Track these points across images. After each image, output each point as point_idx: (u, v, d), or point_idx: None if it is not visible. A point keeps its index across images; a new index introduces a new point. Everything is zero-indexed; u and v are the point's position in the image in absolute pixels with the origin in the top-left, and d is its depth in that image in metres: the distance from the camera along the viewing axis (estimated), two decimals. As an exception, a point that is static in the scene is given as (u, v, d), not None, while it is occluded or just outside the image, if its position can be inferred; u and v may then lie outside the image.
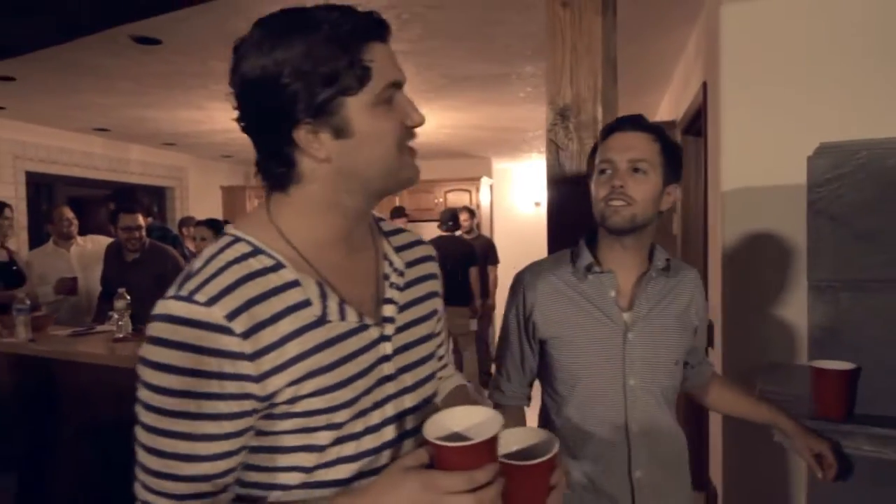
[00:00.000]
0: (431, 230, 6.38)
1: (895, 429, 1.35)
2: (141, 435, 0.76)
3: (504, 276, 5.50)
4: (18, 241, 4.73)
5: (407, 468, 0.72)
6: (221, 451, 0.76)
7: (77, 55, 3.26)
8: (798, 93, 2.11)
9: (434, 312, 0.97)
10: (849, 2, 2.08)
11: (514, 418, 1.45)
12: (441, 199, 6.86)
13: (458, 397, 1.02)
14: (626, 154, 1.25)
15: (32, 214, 5.16)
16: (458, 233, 5.61)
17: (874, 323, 1.44)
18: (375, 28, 0.78)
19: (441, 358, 1.03)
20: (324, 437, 0.80)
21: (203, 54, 3.29)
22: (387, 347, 0.85)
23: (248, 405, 0.76)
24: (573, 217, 1.53)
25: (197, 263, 0.79)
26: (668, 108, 4.20)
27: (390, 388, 0.85)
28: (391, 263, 0.90)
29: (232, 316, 0.74)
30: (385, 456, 0.84)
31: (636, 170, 1.25)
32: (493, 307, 5.94)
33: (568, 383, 1.33)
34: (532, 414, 1.50)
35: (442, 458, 0.71)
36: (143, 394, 0.75)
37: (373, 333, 0.84)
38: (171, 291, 0.76)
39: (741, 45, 2.25)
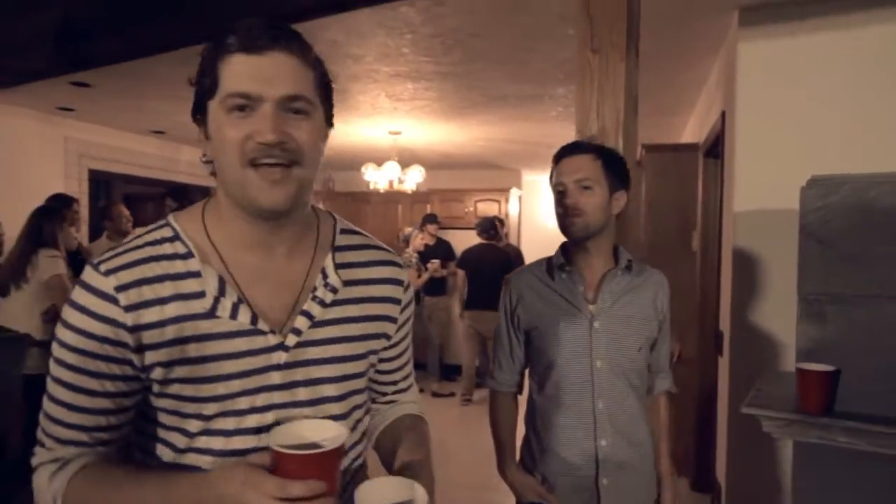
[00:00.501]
0: (460, 237, 6.66)
1: (867, 423, 1.57)
2: (48, 383, 0.85)
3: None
4: (80, 234, 5.12)
5: (243, 463, 0.74)
6: (100, 408, 0.84)
7: (151, 66, 3.60)
8: (801, 127, 2.33)
9: (375, 336, 0.95)
10: (848, 51, 2.29)
11: (507, 406, 1.70)
12: (471, 208, 7.12)
13: (399, 426, 1.02)
14: (573, 176, 1.52)
15: (91, 209, 5.56)
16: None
17: (855, 333, 1.66)
18: (247, 40, 0.79)
19: (391, 383, 1.05)
20: (193, 426, 0.83)
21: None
22: (281, 356, 0.85)
23: (129, 371, 0.83)
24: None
25: (126, 239, 0.90)
26: (692, 130, 4.41)
27: (276, 397, 0.85)
28: (325, 277, 0.89)
29: (121, 289, 0.81)
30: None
31: (584, 187, 1.51)
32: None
33: (545, 365, 1.58)
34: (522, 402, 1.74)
35: (274, 463, 0.72)
36: (53, 346, 0.84)
37: (269, 340, 0.84)
38: (94, 259, 0.85)
39: (755, 80, 2.47)
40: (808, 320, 1.71)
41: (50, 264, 3.29)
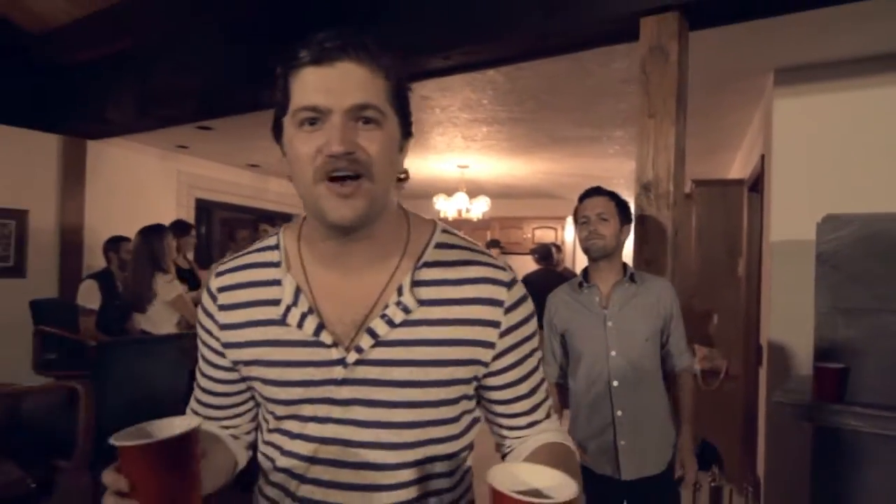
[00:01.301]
0: (519, 262, 7.16)
1: (872, 409, 2.00)
2: None
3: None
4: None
5: None
6: (206, 387, 0.95)
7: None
8: (826, 170, 2.78)
9: (463, 362, 0.85)
10: (867, 106, 2.74)
11: (551, 392, 2.18)
12: (529, 235, 7.63)
13: (537, 451, 0.88)
14: (595, 210, 2.04)
15: (197, 231, 6.33)
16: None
17: (861, 338, 2.10)
18: (316, 52, 0.78)
19: (509, 416, 0.93)
20: (270, 422, 0.90)
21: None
22: (339, 372, 0.83)
23: (224, 362, 0.91)
24: (654, 253, 2.27)
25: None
26: (738, 167, 4.83)
27: (335, 412, 0.84)
28: (399, 294, 0.84)
29: (221, 290, 0.90)
30: (308, 468, 0.85)
31: (603, 219, 2.03)
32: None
33: (576, 359, 2.09)
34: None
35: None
36: None
37: (332, 353, 0.83)
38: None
39: (789, 130, 2.94)
40: (823, 329, 2.16)
41: (168, 289, 3.79)
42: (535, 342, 0.93)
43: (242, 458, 0.99)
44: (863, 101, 2.75)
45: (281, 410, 0.86)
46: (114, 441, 0.68)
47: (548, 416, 0.96)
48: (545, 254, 6.32)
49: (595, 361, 2.04)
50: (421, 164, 5.91)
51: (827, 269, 2.16)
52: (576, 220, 2.13)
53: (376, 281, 0.86)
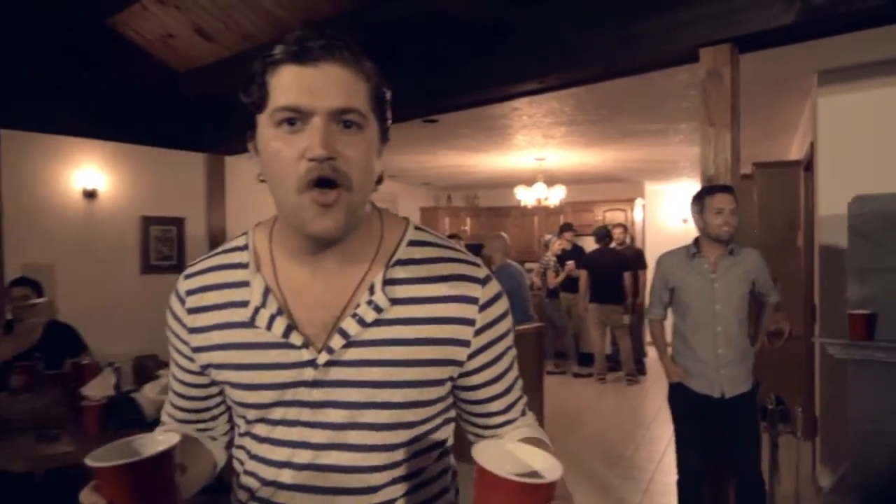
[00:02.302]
0: (591, 243, 7.78)
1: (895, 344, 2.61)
2: None
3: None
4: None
5: None
6: (177, 390, 0.95)
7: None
8: (862, 156, 3.34)
9: (439, 362, 0.84)
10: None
11: (658, 327, 2.93)
12: (600, 217, 8.23)
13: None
14: (729, 205, 2.67)
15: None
16: (611, 245, 6.99)
17: (884, 290, 2.70)
18: (297, 51, 0.75)
19: (484, 415, 0.93)
20: (241, 424, 0.90)
21: (461, 128, 5.00)
22: (310, 373, 0.81)
23: (193, 366, 0.90)
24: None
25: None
26: (796, 149, 5.32)
27: (305, 414, 0.82)
28: (370, 293, 0.82)
29: (190, 293, 0.88)
30: (277, 472, 0.84)
31: (733, 213, 2.67)
32: (643, 305, 7.23)
33: (684, 310, 2.76)
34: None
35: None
36: None
37: (302, 354, 0.82)
38: None
39: (832, 122, 3.51)
40: (854, 284, 2.77)
41: None
42: (510, 339, 0.91)
43: (221, 458, 0.99)
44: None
45: (251, 414, 0.85)
46: (90, 462, 0.67)
47: (523, 413, 0.95)
48: (602, 234, 6.96)
49: (703, 312, 2.72)
50: (502, 159, 6.63)
51: (856, 237, 2.77)
52: (702, 208, 2.73)
53: (348, 281, 0.84)
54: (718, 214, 2.68)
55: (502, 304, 0.89)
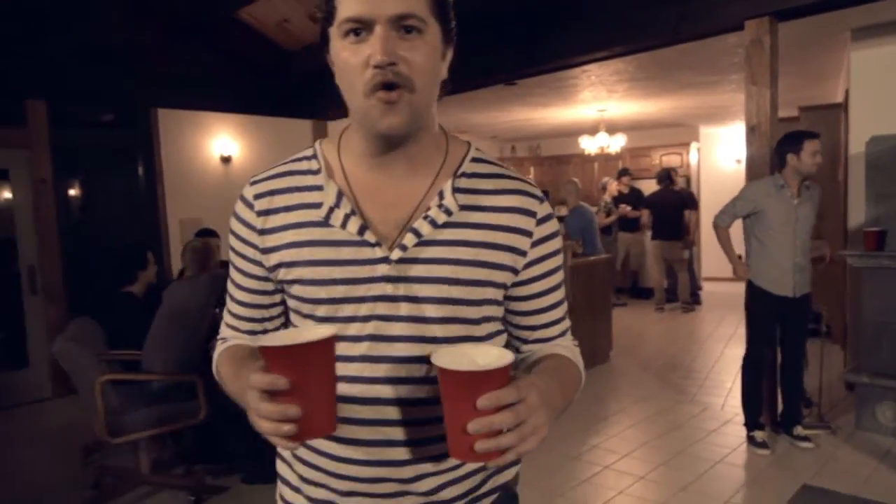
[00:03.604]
0: (649, 185, 8.44)
1: (898, 254, 3.34)
2: None
3: (706, 219, 7.43)
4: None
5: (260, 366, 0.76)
6: (241, 299, 0.98)
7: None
8: (884, 103, 3.98)
9: (497, 266, 0.89)
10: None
11: (726, 234, 3.60)
12: (658, 161, 8.84)
13: (538, 363, 0.95)
14: (818, 148, 3.32)
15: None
16: (672, 186, 7.67)
17: (894, 212, 3.41)
18: None
19: (528, 328, 0.98)
20: (307, 323, 0.90)
21: (537, 89, 5.75)
22: (384, 269, 0.85)
23: (259, 270, 0.94)
24: (762, 172, 3.66)
25: None
26: (840, 94, 5.86)
27: (380, 308, 0.86)
28: (440, 198, 0.88)
29: (257, 197, 0.92)
30: (358, 367, 0.86)
31: (819, 153, 3.32)
32: (692, 242, 7.91)
33: (766, 228, 3.43)
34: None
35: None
36: None
37: (375, 252, 0.86)
38: None
39: (863, 74, 4.13)
40: (870, 207, 3.49)
41: None
42: (559, 259, 0.96)
43: None
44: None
45: (322, 310, 0.88)
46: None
47: (563, 334, 1.00)
48: (663, 176, 7.64)
49: (786, 230, 3.39)
50: (567, 112, 7.33)
51: (872, 171, 3.47)
52: (800, 150, 3.31)
53: (418, 186, 0.89)
54: (814, 155, 3.33)
55: (555, 224, 0.96)
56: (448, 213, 0.87)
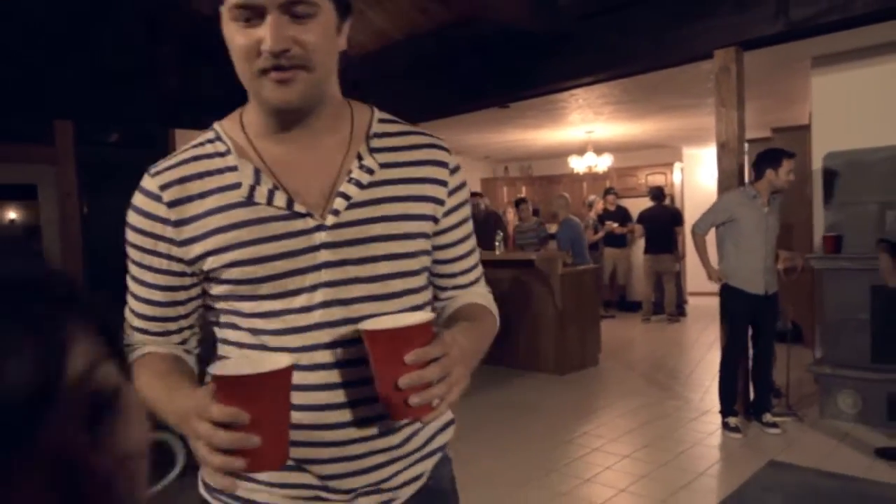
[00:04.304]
0: (634, 203, 8.85)
1: (855, 257, 3.74)
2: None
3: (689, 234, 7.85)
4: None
5: (207, 391, 0.72)
6: (151, 298, 0.91)
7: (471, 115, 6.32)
8: (845, 122, 4.43)
9: (421, 216, 0.93)
10: (880, 79, 4.34)
11: (702, 241, 3.99)
12: (643, 180, 9.30)
13: (458, 312, 1.00)
14: (793, 167, 3.75)
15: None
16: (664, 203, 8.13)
17: (847, 217, 3.82)
18: None
19: (448, 276, 1.02)
20: (247, 307, 0.87)
21: (528, 111, 6.18)
22: (321, 237, 0.86)
23: (175, 266, 0.88)
24: (732, 184, 4.06)
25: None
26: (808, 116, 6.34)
27: (325, 275, 0.86)
28: (360, 160, 0.90)
29: (164, 188, 0.87)
30: (316, 336, 0.86)
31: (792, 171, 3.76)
32: (682, 256, 8.33)
33: (739, 234, 3.81)
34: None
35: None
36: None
37: (308, 222, 0.86)
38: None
39: (824, 96, 4.58)
40: (828, 215, 3.92)
41: None
42: (469, 209, 1.03)
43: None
44: (872, 77, 4.36)
45: (265, 289, 0.86)
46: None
47: (477, 280, 1.07)
48: (657, 193, 8.08)
49: (757, 236, 3.75)
50: (556, 133, 7.78)
51: (828, 183, 3.89)
52: (778, 166, 3.72)
53: (333, 152, 0.91)
54: (789, 173, 3.73)
55: (463, 175, 1.01)
56: (370, 171, 0.90)
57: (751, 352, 3.96)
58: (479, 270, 1.08)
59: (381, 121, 0.97)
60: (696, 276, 9.37)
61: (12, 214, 5.66)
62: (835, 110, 4.52)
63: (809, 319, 5.66)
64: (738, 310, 3.88)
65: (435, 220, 0.95)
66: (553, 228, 7.35)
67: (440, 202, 0.95)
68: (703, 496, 2.98)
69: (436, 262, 1.00)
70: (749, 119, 6.75)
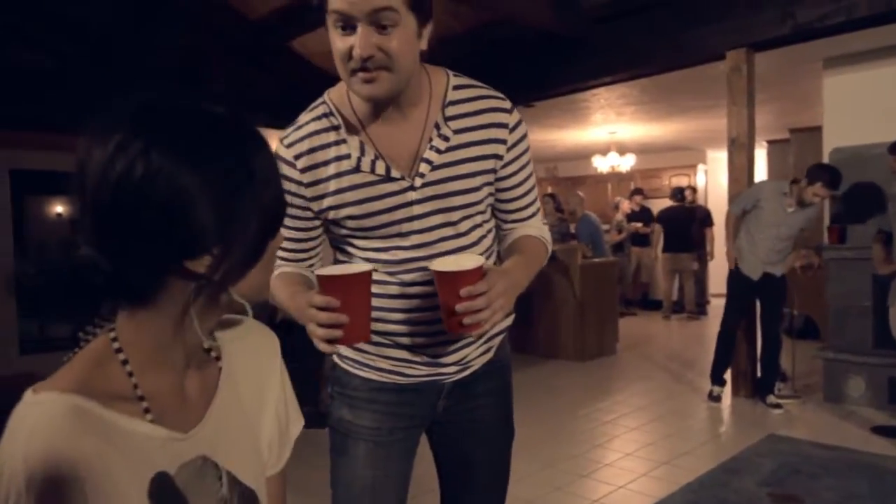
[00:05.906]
0: (659, 204, 9.02)
1: (856, 248, 3.94)
2: None
3: (719, 236, 8.01)
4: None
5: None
6: (290, 236, 1.19)
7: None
8: (853, 122, 4.62)
9: (486, 171, 1.16)
10: (883, 84, 4.53)
11: (732, 220, 4.24)
12: (667, 182, 9.47)
13: (515, 243, 1.26)
14: (825, 194, 3.93)
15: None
16: (684, 203, 8.29)
17: (850, 209, 4.03)
18: None
19: (509, 211, 1.26)
20: (361, 244, 1.18)
21: (552, 110, 6.45)
22: (412, 195, 1.12)
23: (308, 213, 1.18)
24: (742, 176, 4.29)
25: (300, 116, 1.17)
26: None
27: (416, 224, 1.14)
28: (438, 129, 1.12)
29: (297, 157, 1.14)
30: (410, 265, 1.17)
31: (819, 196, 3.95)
32: (711, 256, 8.45)
33: (758, 221, 4.00)
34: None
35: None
36: None
37: (402, 184, 1.12)
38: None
39: (835, 97, 4.78)
40: (834, 208, 4.10)
41: None
42: (528, 155, 1.24)
43: None
44: (880, 78, 4.55)
45: (373, 234, 1.15)
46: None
47: (534, 215, 1.30)
48: (676, 193, 8.27)
49: (770, 229, 3.95)
50: (580, 134, 8.04)
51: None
52: (813, 182, 3.77)
53: (415, 123, 1.13)
54: (815, 195, 3.82)
55: (524, 128, 1.21)
56: (446, 139, 1.13)
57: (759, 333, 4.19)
58: (536, 206, 1.31)
59: (456, 87, 1.17)
60: (720, 277, 9.47)
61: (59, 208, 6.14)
62: (845, 109, 4.71)
63: (826, 317, 5.83)
64: (737, 289, 4.15)
65: (494, 171, 1.19)
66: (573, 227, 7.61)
67: (499, 157, 1.18)
68: (701, 461, 3.23)
69: (498, 200, 1.25)
70: (768, 121, 7.00)
